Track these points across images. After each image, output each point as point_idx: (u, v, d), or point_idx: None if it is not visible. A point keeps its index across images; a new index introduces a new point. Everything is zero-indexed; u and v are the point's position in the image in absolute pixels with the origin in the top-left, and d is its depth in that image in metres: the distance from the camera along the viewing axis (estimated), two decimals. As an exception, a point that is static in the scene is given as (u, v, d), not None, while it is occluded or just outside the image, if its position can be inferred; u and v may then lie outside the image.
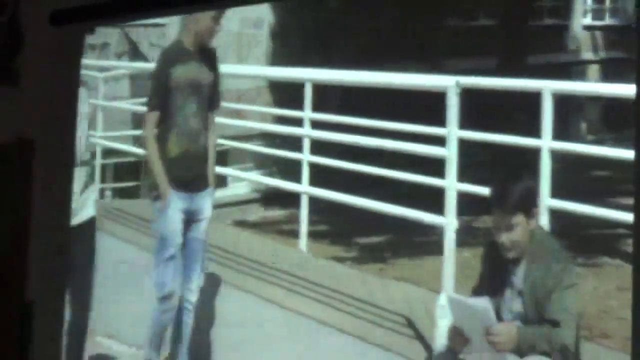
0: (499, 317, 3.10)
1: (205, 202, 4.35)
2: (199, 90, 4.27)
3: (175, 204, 4.16)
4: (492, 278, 3.19)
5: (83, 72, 3.22)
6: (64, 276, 2.68)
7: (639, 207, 2.09)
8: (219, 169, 6.77)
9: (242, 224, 6.74)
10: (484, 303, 3.09)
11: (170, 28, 6.58)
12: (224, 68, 7.55)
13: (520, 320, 3.10)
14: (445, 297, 3.44)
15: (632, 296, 1.98)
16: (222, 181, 7.90)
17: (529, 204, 3.14)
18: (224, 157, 7.71)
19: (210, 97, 4.33)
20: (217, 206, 6.88)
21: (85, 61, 3.15)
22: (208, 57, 4.31)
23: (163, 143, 4.18)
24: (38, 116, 2.49)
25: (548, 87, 4.21)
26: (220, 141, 6.15)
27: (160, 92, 4.21)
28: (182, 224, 4.19)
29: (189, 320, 4.08)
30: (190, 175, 4.25)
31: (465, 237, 3.96)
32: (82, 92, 3.53)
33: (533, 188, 3.34)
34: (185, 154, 4.20)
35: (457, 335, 3.13)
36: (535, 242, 3.11)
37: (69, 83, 2.54)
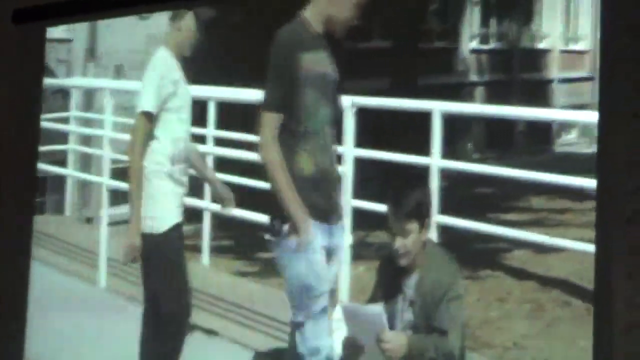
0: (392, 326, 3.13)
1: (343, 236, 3.50)
2: (329, 90, 3.38)
3: (317, 240, 3.21)
4: (386, 288, 3.23)
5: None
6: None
7: (600, 240, 2.14)
8: (124, 185, 6.69)
9: (146, 239, 6.66)
10: (377, 309, 3.12)
11: (77, 43, 6.45)
12: (128, 85, 7.51)
13: (412, 329, 3.14)
14: (339, 307, 3.45)
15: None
16: (126, 197, 7.79)
17: (422, 213, 3.18)
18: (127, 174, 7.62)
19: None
20: (121, 222, 6.80)
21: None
22: (335, 46, 3.47)
23: (289, 157, 3.22)
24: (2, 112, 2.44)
25: (437, 108, 4.27)
26: (124, 157, 6.07)
27: (284, 85, 3.18)
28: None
29: None
30: (329, 201, 3.31)
31: (359, 251, 4.00)
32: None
33: (428, 199, 3.39)
34: (321, 173, 3.25)
35: (351, 345, 3.15)
36: (427, 254, 3.16)
37: (32, 78, 2.50)
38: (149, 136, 3.63)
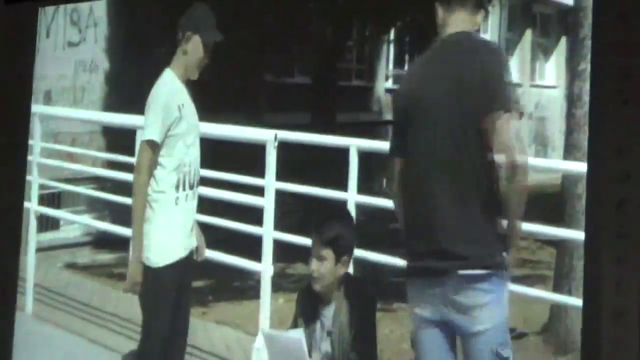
0: (310, 356, 3.14)
1: None
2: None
3: None
4: (305, 318, 3.23)
5: None
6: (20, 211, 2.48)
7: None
8: (51, 211, 6.61)
9: (72, 266, 6.56)
10: (296, 335, 3.12)
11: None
12: (57, 111, 7.41)
13: (323, 356, 3.15)
14: (261, 333, 3.44)
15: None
16: (54, 223, 7.69)
17: (340, 246, 3.17)
18: (56, 200, 7.50)
19: None
20: (48, 248, 6.69)
21: None
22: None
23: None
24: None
25: (354, 144, 4.31)
26: (53, 183, 5.99)
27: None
28: None
29: None
30: None
31: (280, 283, 4.01)
32: None
33: (349, 235, 3.32)
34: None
35: None
36: (345, 287, 3.17)
37: (24, 58, 2.43)
38: (154, 164, 3.34)
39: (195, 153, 3.38)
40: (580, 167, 4.77)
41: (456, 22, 2.85)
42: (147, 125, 3.33)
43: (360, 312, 3.13)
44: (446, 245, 2.69)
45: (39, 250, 5.48)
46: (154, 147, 3.25)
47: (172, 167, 3.28)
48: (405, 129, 2.83)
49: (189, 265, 3.35)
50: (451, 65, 2.82)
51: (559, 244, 5.15)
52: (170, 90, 3.35)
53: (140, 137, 5.39)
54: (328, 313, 3.21)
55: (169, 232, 3.26)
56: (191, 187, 3.35)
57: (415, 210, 2.81)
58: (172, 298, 3.26)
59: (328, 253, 3.20)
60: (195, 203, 3.41)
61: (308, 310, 3.22)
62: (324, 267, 3.19)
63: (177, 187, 3.29)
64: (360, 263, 3.90)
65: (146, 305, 3.29)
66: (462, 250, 2.70)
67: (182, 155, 3.31)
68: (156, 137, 3.25)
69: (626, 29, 2.18)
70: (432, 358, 2.72)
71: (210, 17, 3.38)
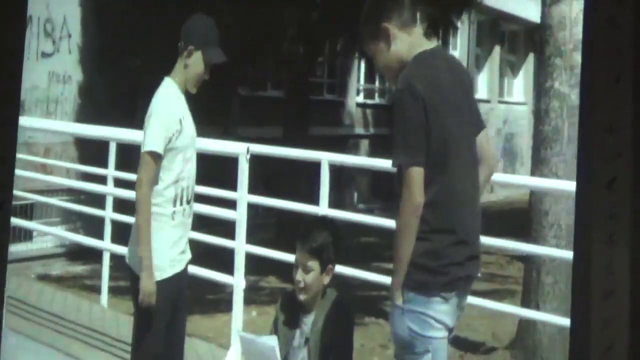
0: None
1: None
2: None
3: None
4: (284, 325, 3.20)
5: None
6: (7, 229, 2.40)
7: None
8: (24, 223, 6.55)
9: (45, 277, 6.51)
10: (271, 342, 3.10)
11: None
12: (30, 122, 7.34)
13: None
14: (237, 335, 3.37)
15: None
16: (27, 235, 7.63)
17: (325, 256, 3.13)
18: (29, 211, 7.44)
19: None
20: (21, 259, 6.62)
21: None
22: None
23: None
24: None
25: (326, 158, 4.27)
26: (26, 194, 5.94)
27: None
28: None
29: None
30: None
31: (253, 296, 3.97)
32: None
33: (333, 245, 3.26)
34: None
35: None
36: (326, 298, 3.14)
37: (14, 29, 2.37)
38: (156, 174, 3.21)
39: (192, 168, 3.32)
40: (547, 183, 4.82)
41: (420, 38, 2.83)
42: (148, 135, 3.11)
43: (340, 322, 3.12)
44: (479, 251, 2.70)
45: (12, 261, 5.42)
46: (157, 158, 3.08)
47: (170, 181, 3.14)
48: (436, 135, 2.66)
49: (184, 279, 3.32)
50: (461, 77, 2.80)
51: (527, 259, 5.19)
52: (172, 100, 3.19)
53: (112, 149, 5.41)
54: (308, 321, 3.20)
55: (165, 248, 3.21)
56: (188, 202, 3.28)
57: (460, 220, 2.73)
58: (169, 313, 3.22)
59: (314, 263, 3.17)
60: (190, 218, 3.36)
61: (289, 317, 3.19)
62: (309, 278, 3.16)
63: (174, 202, 3.19)
64: (333, 277, 3.90)
65: (142, 320, 3.24)
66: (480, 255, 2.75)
67: (181, 169, 3.24)
68: (159, 148, 3.08)
69: (619, 7, 2.18)
70: None
71: (214, 34, 3.33)
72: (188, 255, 3.29)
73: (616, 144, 2.25)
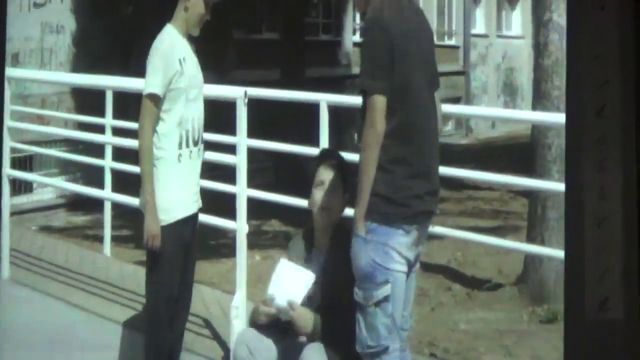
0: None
1: None
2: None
3: None
4: (296, 263, 3.12)
5: None
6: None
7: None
8: (24, 175, 6.51)
9: (47, 229, 6.49)
10: (310, 275, 3.02)
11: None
12: (25, 73, 7.24)
13: (310, 303, 3.06)
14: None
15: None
16: (27, 187, 7.60)
17: (346, 173, 3.05)
18: (28, 163, 7.40)
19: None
20: (22, 212, 6.61)
21: None
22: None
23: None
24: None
25: (324, 99, 4.22)
26: (24, 147, 5.89)
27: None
28: None
29: None
30: None
31: (255, 240, 3.93)
32: None
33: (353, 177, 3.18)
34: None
35: (267, 305, 2.99)
36: (337, 236, 3.05)
37: None
38: (157, 118, 3.24)
39: (198, 108, 3.28)
40: (548, 117, 4.76)
41: None
42: (148, 79, 3.11)
43: (348, 261, 3.05)
44: (438, 187, 2.79)
45: (13, 214, 5.39)
46: (157, 101, 3.11)
47: (174, 122, 3.14)
48: (399, 67, 2.70)
49: (195, 223, 3.32)
50: (425, 29, 2.88)
51: (530, 195, 5.15)
52: (170, 43, 3.20)
53: (108, 97, 5.33)
54: (321, 258, 3.10)
55: (173, 191, 3.21)
56: (195, 144, 3.26)
57: (419, 153, 2.76)
58: (180, 257, 3.23)
59: (337, 181, 3.06)
60: (200, 161, 3.35)
61: (301, 254, 3.10)
62: (333, 197, 3.04)
63: (179, 144, 3.20)
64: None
65: (152, 265, 3.25)
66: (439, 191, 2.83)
67: (184, 110, 3.22)
68: (158, 90, 3.11)
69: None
70: (402, 295, 2.77)
71: None
72: (198, 201, 3.27)
73: (604, 72, 2.21)
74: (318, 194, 3.00)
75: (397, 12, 2.79)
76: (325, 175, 3.03)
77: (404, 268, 2.73)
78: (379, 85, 2.65)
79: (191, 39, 3.28)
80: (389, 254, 2.69)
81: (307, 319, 2.95)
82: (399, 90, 2.68)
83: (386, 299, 2.73)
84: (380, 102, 2.67)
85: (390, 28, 2.71)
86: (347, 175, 3.07)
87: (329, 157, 3.14)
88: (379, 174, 2.69)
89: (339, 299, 2.91)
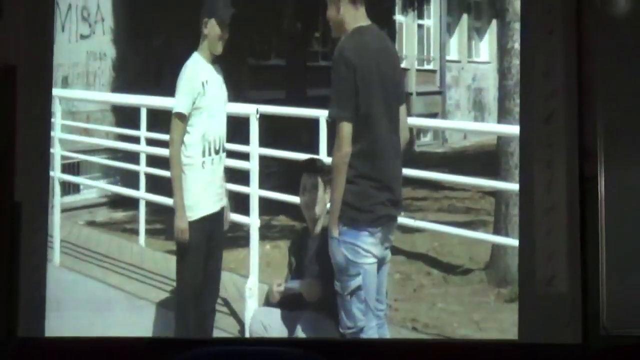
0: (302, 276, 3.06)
1: None
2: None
3: None
4: (298, 250, 3.15)
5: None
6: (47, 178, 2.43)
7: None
8: (72, 178, 6.52)
9: (92, 224, 6.48)
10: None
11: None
12: (73, 94, 7.26)
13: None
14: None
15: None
16: (75, 188, 7.60)
17: (324, 176, 3.13)
18: (76, 168, 7.41)
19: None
20: (71, 209, 6.59)
21: None
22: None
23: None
24: (20, 44, 2.32)
25: (322, 115, 4.27)
26: (72, 155, 5.91)
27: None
28: None
29: None
30: None
31: (266, 232, 4.00)
32: None
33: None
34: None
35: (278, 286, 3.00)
36: (325, 229, 3.08)
37: (45, 13, 2.36)
38: (184, 132, 3.38)
39: (219, 122, 3.46)
40: (511, 129, 4.76)
41: (363, 16, 2.92)
42: (176, 100, 3.40)
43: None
44: (400, 197, 3.02)
45: (64, 211, 5.42)
46: (183, 118, 3.34)
47: (198, 135, 3.40)
48: (362, 97, 2.75)
49: (220, 220, 3.41)
50: (389, 54, 2.95)
51: (496, 194, 5.15)
52: (194, 69, 3.44)
53: (143, 113, 5.39)
54: (313, 245, 3.16)
55: (198, 190, 3.33)
56: (217, 152, 3.44)
57: (382, 170, 2.82)
58: (204, 249, 3.30)
59: (318, 180, 3.14)
60: (222, 166, 3.48)
61: (300, 243, 3.14)
62: (318, 192, 3.13)
63: (203, 153, 3.37)
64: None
65: (180, 256, 3.34)
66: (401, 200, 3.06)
67: (207, 124, 3.34)
68: (184, 109, 3.34)
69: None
70: (374, 284, 2.86)
71: (223, 1, 3.38)
72: (224, 200, 3.37)
73: (551, 85, 2.24)
74: (303, 197, 3.10)
75: (361, 44, 2.85)
76: (310, 179, 3.13)
77: (373, 261, 2.81)
78: (345, 114, 2.74)
79: (216, 60, 3.38)
80: (358, 251, 2.80)
81: (315, 289, 3.01)
82: (362, 116, 2.75)
83: (359, 287, 2.83)
84: (346, 128, 2.78)
85: (353, 60, 2.77)
86: (327, 178, 3.15)
87: (310, 164, 3.23)
88: (348, 187, 2.83)
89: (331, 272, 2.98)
